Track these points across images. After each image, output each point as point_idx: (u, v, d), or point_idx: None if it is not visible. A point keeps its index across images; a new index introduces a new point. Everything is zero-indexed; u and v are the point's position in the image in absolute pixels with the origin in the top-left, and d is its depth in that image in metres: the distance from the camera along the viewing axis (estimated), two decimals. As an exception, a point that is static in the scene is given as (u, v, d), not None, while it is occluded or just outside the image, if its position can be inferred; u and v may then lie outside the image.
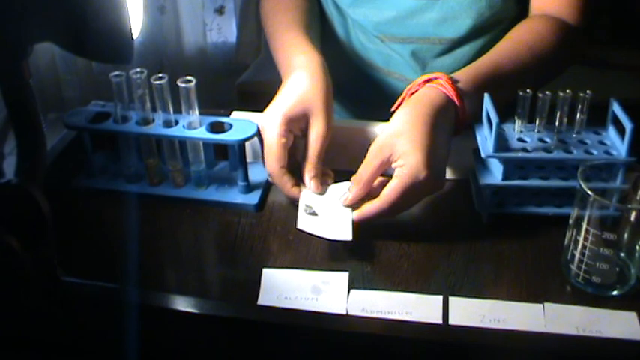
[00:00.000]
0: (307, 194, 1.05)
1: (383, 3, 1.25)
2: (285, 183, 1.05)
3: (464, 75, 1.08)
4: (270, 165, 1.04)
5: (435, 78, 1.05)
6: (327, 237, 0.99)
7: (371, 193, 1.02)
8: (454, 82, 1.05)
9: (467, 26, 1.22)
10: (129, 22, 0.82)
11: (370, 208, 1.00)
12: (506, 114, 1.04)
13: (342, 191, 1.04)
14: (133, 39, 0.84)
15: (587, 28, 1.23)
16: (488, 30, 1.24)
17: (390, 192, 0.98)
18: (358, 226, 1.01)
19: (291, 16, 1.26)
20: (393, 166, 1.00)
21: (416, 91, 1.06)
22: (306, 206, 1.03)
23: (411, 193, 0.98)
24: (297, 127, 1.06)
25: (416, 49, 1.27)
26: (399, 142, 0.98)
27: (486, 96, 1.03)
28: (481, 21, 1.22)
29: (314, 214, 1.02)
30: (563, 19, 1.21)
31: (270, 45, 1.26)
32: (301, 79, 1.08)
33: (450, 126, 1.03)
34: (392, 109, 1.06)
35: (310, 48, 1.15)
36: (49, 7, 0.79)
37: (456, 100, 1.03)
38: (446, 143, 1.02)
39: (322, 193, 1.06)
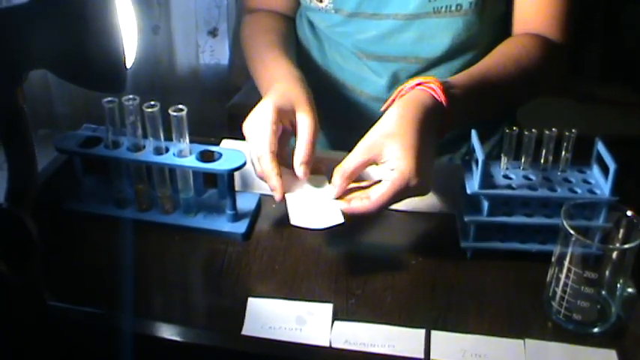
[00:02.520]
0: (292, 196, 1.05)
1: (363, 24, 1.27)
2: (273, 169, 1.03)
3: (454, 81, 1.10)
4: (262, 149, 1.03)
5: (427, 82, 1.06)
6: (321, 227, 1.00)
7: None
8: (445, 88, 1.06)
9: (443, 46, 1.25)
10: (123, 52, 0.83)
11: (359, 206, 1.00)
12: (490, 131, 1.05)
13: (320, 182, 1.07)
14: (126, 68, 0.85)
15: (570, 44, 1.27)
16: (463, 52, 1.26)
17: (381, 196, 0.98)
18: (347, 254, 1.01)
19: (270, 38, 1.31)
20: (380, 167, 1.01)
21: (406, 93, 1.07)
22: (294, 205, 1.04)
23: (400, 196, 0.99)
24: (286, 119, 1.08)
25: (393, 68, 1.29)
26: (389, 144, 0.99)
27: (473, 132, 1.04)
28: (457, 42, 1.24)
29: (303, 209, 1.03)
30: (548, 37, 1.24)
31: (252, 67, 1.30)
32: (283, 84, 1.12)
33: (437, 129, 1.04)
34: (382, 109, 1.07)
35: (289, 64, 1.20)
36: (45, 35, 0.80)
37: (445, 104, 1.04)
38: (434, 147, 1.03)
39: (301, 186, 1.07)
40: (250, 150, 1.06)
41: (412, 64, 1.28)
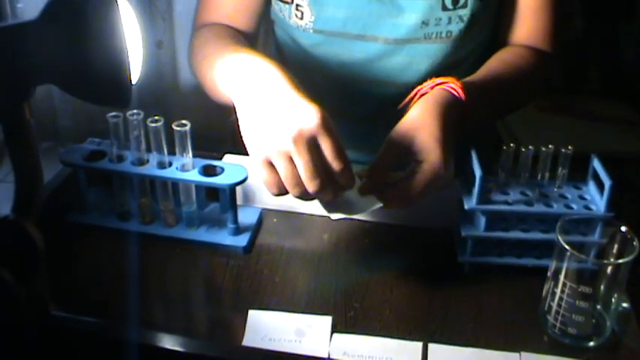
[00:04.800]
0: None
1: (348, 44, 1.27)
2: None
3: (469, 81, 1.13)
4: (342, 160, 0.94)
5: (446, 82, 1.08)
6: (362, 212, 1.00)
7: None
8: (463, 86, 1.07)
9: (430, 70, 1.26)
10: (128, 68, 0.85)
11: (390, 199, 0.99)
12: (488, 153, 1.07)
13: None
14: (131, 84, 0.87)
15: (557, 53, 1.31)
16: (449, 72, 1.24)
17: (412, 187, 0.98)
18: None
19: (236, 40, 1.24)
20: (410, 158, 1.01)
21: (425, 93, 1.08)
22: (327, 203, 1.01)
23: (430, 187, 0.98)
24: None
25: (380, 92, 1.30)
26: (417, 136, 0.99)
27: (472, 153, 1.06)
28: (444, 66, 1.26)
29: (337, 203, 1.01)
30: (537, 47, 1.29)
31: (212, 62, 1.14)
32: (296, 88, 0.98)
33: (458, 124, 1.05)
34: (398, 107, 1.09)
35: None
36: (53, 51, 0.82)
37: (465, 100, 1.06)
38: (454, 141, 1.03)
39: None
40: (312, 163, 0.93)
41: (400, 89, 1.27)
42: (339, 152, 0.94)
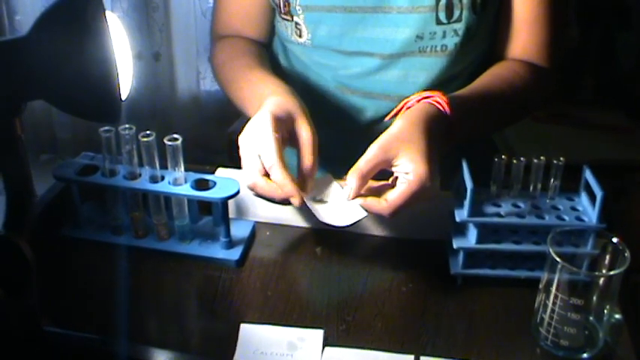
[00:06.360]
0: (309, 199, 1.06)
1: (345, 60, 1.28)
2: (286, 177, 1.01)
3: (457, 96, 1.14)
4: (270, 159, 1.01)
5: (432, 96, 1.09)
6: (347, 224, 1.02)
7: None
8: (449, 101, 1.08)
9: (426, 84, 1.26)
10: (118, 84, 0.85)
11: (376, 207, 1.01)
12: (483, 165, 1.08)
13: (326, 183, 1.09)
14: (121, 100, 0.87)
15: (555, 69, 1.31)
16: (445, 87, 1.26)
17: (397, 198, 0.99)
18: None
19: (251, 59, 1.31)
20: (394, 169, 1.03)
21: (411, 105, 1.10)
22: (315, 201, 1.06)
23: (415, 199, 1.00)
24: (283, 129, 1.06)
25: (376, 104, 1.31)
26: (405, 148, 1.01)
27: (464, 163, 1.06)
28: (441, 79, 1.26)
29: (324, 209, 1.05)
30: (534, 62, 1.28)
31: (234, 88, 1.30)
32: (277, 97, 1.11)
33: (443, 139, 1.07)
34: (386, 119, 1.11)
35: (278, 80, 1.20)
36: (43, 67, 0.83)
37: (450, 116, 1.07)
38: (440, 153, 1.05)
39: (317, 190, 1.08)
40: (250, 163, 1.04)
41: (396, 102, 1.25)
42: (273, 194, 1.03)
